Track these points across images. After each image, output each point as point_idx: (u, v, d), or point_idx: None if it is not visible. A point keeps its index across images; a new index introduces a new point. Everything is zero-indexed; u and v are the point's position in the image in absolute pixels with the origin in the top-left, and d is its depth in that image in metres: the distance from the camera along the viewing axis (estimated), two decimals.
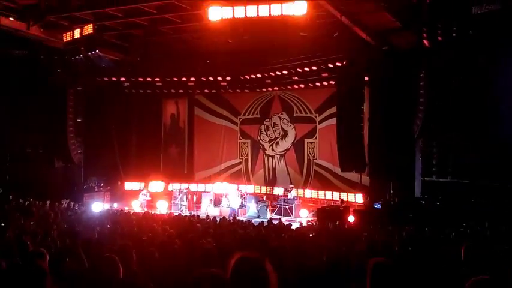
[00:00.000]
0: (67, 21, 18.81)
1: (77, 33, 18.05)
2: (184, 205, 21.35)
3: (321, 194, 21.24)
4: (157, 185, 22.70)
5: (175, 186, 22.85)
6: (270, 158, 23.49)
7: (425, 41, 15.82)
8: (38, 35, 18.75)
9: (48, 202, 17.95)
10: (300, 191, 21.37)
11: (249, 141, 24.12)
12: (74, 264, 4.96)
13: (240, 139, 24.37)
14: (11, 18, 17.53)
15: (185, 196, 21.76)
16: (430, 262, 6.50)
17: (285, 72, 20.46)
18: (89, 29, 17.73)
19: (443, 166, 17.38)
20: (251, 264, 2.79)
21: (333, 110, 19.93)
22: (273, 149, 23.42)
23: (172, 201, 21.57)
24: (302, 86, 21.54)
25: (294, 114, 22.77)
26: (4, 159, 23.66)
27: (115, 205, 21.18)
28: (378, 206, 17.47)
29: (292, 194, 20.41)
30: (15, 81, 21.56)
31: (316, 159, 22.15)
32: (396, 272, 3.28)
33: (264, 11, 14.59)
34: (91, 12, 18.06)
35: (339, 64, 18.53)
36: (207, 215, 17.05)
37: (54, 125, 21.59)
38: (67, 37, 18.46)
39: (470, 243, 5.78)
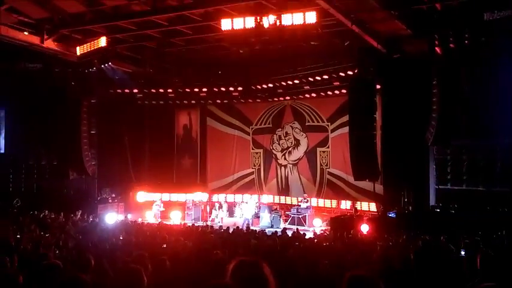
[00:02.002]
0: (80, 35, 19.05)
1: (90, 46, 18.28)
2: (219, 216, 21.44)
3: (335, 203, 21.17)
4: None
5: (188, 197, 22.89)
6: (283, 167, 23.47)
7: (437, 48, 15.77)
8: (52, 49, 18.99)
9: (62, 214, 18.11)
10: (313, 200, 21.30)
11: (261, 150, 24.14)
12: (96, 277, 4.97)
13: (252, 149, 24.40)
14: (26, 33, 17.80)
15: (217, 205, 21.85)
16: (446, 271, 6.44)
17: (296, 81, 20.51)
18: (102, 42, 17.94)
19: (458, 174, 17.26)
20: (249, 268, 2.79)
21: (345, 118, 19.87)
22: (285, 159, 23.40)
23: (186, 212, 21.65)
24: (314, 95, 21.55)
25: (306, 124, 22.76)
26: (19, 171, 23.96)
27: (129, 216, 21.28)
28: (392, 214, 17.34)
29: (304, 203, 20.34)
30: (30, 95, 21.89)
31: (329, 168, 22.08)
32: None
33: (274, 21, 14.64)
34: (104, 26, 18.27)
35: (350, 73, 18.53)
36: (221, 226, 17.07)
37: (68, 137, 21.79)
38: (81, 50, 18.69)
39: (486, 251, 5.72)
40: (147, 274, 4.73)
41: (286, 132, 23.38)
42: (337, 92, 20.56)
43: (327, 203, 21.45)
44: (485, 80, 15.84)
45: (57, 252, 8.88)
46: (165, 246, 9.61)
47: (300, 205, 20.48)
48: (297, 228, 16.27)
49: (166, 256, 6.28)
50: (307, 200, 20.54)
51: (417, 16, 15.36)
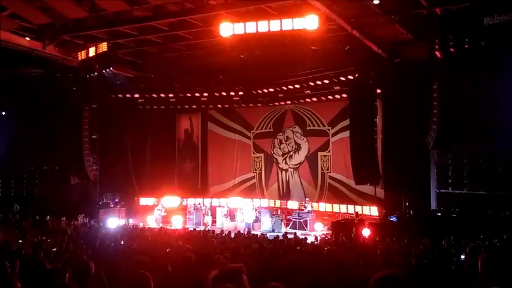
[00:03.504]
0: (82, 40, 19.12)
1: (91, 52, 18.34)
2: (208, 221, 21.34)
3: (336, 207, 21.14)
4: (172, 200, 22.76)
5: (189, 201, 22.89)
6: (284, 171, 23.48)
7: (437, 53, 15.80)
8: (54, 54, 19.07)
9: (64, 218, 18.12)
10: (315, 204, 21.30)
11: (262, 155, 24.15)
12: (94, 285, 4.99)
13: (253, 153, 24.41)
14: (27, 38, 17.88)
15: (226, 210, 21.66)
16: (447, 275, 6.46)
17: (297, 86, 20.53)
18: (103, 47, 18.00)
19: (459, 178, 17.25)
20: (228, 276, 2.82)
21: (346, 122, 19.91)
22: (286, 163, 23.41)
23: (187, 216, 21.63)
24: (314, 99, 21.57)
25: (307, 128, 22.78)
26: (21, 176, 24.00)
27: (130, 221, 21.28)
28: (393, 218, 17.35)
29: (307, 207, 20.32)
30: (32, 100, 21.94)
31: (330, 172, 22.08)
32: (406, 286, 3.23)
33: (275, 26, 14.66)
34: (105, 31, 18.34)
35: (351, 77, 18.56)
36: (222, 230, 17.06)
37: (69, 142, 21.85)
38: (82, 55, 18.75)
39: (487, 255, 5.73)
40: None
41: (287, 137, 23.40)
42: (337, 96, 20.58)
43: (328, 207, 21.43)
44: (486, 84, 15.85)
45: (58, 257, 8.88)
46: (168, 250, 9.63)
47: (303, 209, 20.44)
48: (295, 233, 16.23)
49: (168, 261, 6.30)
50: (312, 205, 20.49)
51: (417, 21, 15.41)
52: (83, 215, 19.62)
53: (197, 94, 22.80)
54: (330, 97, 20.93)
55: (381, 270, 3.28)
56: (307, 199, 20.96)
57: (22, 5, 15.70)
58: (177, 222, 21.07)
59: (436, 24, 15.31)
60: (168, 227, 19.58)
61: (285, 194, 23.26)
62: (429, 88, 16.32)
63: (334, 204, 21.30)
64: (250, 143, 24.48)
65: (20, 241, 11.80)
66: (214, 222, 21.47)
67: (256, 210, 20.88)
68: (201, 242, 12.12)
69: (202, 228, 19.68)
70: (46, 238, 13.12)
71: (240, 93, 22.15)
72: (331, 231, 18.03)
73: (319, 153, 22.45)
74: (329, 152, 22.16)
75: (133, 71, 22.00)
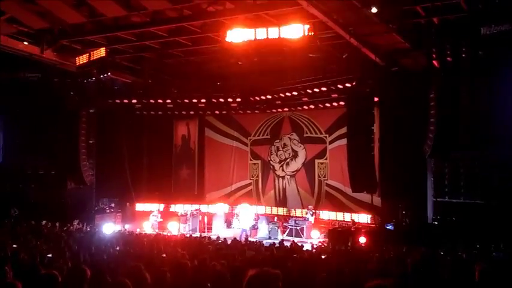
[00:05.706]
0: (80, 45, 19.14)
1: (89, 57, 18.34)
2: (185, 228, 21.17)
3: (332, 215, 21.09)
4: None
5: (186, 208, 22.82)
6: (281, 178, 23.45)
7: (434, 62, 15.87)
8: (52, 59, 19.08)
9: (58, 224, 18.05)
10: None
11: (259, 162, 24.12)
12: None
13: (250, 160, 24.38)
14: (25, 43, 17.88)
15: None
16: (444, 284, 6.44)
17: (294, 93, 20.54)
18: (101, 52, 18.00)
19: (456, 186, 17.28)
20: (265, 280, 2.75)
21: (343, 130, 19.93)
22: (283, 170, 23.38)
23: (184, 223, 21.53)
24: (312, 106, 21.59)
25: (304, 135, 22.78)
26: (17, 180, 23.92)
27: (126, 226, 21.21)
28: (390, 227, 17.35)
29: (309, 215, 20.23)
30: (29, 104, 21.92)
31: (327, 179, 22.06)
32: None
33: (273, 33, 14.73)
34: (103, 36, 18.37)
35: (348, 85, 18.59)
36: (218, 237, 17.02)
37: (66, 147, 21.79)
38: (80, 60, 18.74)
39: (485, 265, 5.72)
40: (143, 285, 4.72)
41: (284, 144, 23.39)
42: (335, 104, 20.60)
43: (325, 214, 21.39)
44: (483, 92, 15.93)
45: (53, 262, 8.83)
46: (164, 255, 9.59)
47: (305, 217, 20.35)
48: (293, 240, 16.20)
49: (164, 267, 6.26)
50: (313, 212, 20.42)
51: (415, 30, 15.49)
52: (78, 220, 19.53)
53: (195, 100, 22.78)
54: (328, 105, 20.96)
55: (372, 280, 3.27)
56: (310, 206, 20.83)
57: (20, 10, 15.71)
58: (173, 229, 21.01)
59: (433, 33, 15.39)
60: (164, 233, 19.51)
61: (281, 201, 23.21)
62: (426, 97, 16.39)
63: (330, 212, 21.26)
64: (247, 150, 24.46)
65: (14, 246, 11.73)
66: (210, 229, 21.44)
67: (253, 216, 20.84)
68: (196, 249, 12.07)
69: (198, 234, 19.61)
70: (41, 243, 13.04)
71: (238, 99, 22.14)
72: (327, 239, 18.00)
73: (316, 161, 22.44)
74: (326, 159, 22.15)
75: (131, 77, 22.00)
